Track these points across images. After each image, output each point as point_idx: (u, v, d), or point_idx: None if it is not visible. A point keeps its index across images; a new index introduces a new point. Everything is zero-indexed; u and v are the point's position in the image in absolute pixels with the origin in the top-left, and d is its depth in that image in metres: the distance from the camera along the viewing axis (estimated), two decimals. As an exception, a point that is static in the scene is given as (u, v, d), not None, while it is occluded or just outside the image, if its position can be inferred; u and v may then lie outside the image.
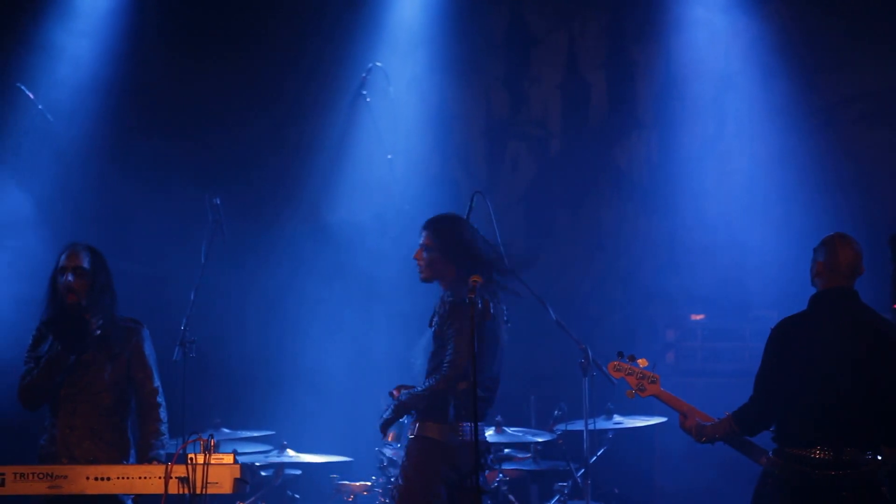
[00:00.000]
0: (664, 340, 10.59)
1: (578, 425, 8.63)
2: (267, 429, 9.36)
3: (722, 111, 11.23)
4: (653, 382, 7.86)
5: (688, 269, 11.08)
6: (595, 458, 8.99)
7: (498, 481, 8.91)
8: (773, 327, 7.31)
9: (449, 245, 7.66)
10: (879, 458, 7.16)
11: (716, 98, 11.22)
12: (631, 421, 9.08)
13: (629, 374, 7.83)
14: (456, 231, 7.71)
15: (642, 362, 7.84)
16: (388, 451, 8.76)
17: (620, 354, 7.87)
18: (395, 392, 7.57)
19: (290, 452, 9.04)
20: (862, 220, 10.62)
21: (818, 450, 7.12)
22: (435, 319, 7.56)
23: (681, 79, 11.26)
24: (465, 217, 8.48)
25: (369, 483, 8.96)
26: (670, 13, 11.21)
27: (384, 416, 7.50)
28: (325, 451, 9.22)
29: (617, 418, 9.05)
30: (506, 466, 9.09)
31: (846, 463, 7.10)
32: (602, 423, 8.95)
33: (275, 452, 9.07)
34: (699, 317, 10.65)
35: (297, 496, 9.24)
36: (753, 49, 11.03)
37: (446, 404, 7.31)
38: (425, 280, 7.76)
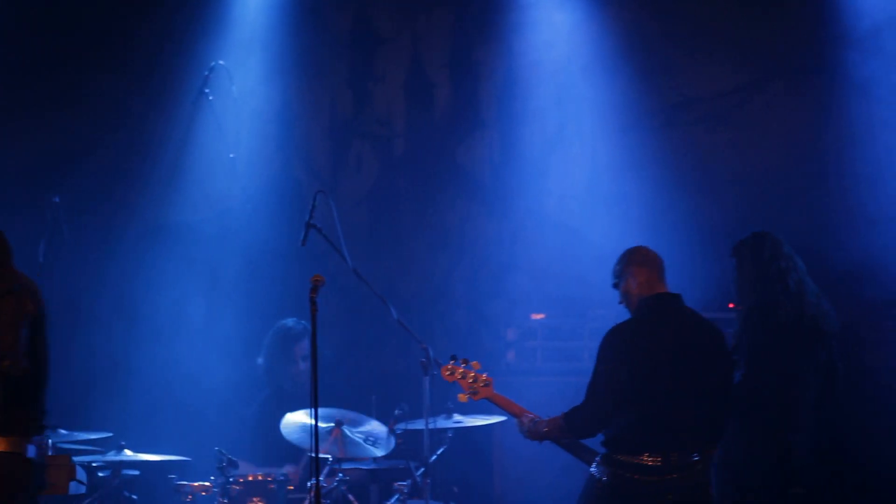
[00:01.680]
0: (505, 340, 10.66)
1: (419, 424, 8.66)
2: (106, 430, 9.23)
3: (564, 111, 11.31)
4: (486, 385, 7.95)
5: (529, 269, 11.17)
6: (435, 457, 9.00)
7: (337, 481, 8.91)
8: (605, 334, 7.44)
9: None
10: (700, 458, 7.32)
11: (558, 98, 11.30)
12: (471, 420, 9.12)
13: (462, 378, 7.91)
14: None
15: (475, 365, 7.92)
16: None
17: (454, 358, 7.96)
18: None
19: (128, 452, 8.93)
20: (700, 221, 10.82)
21: (647, 456, 7.23)
22: None
23: (523, 79, 11.33)
24: (307, 216, 8.50)
25: (208, 483, 8.89)
26: (513, 14, 11.27)
27: None
28: (163, 450, 9.13)
29: (457, 417, 9.09)
30: (345, 466, 9.08)
31: (673, 467, 7.23)
32: (442, 423, 8.97)
33: (112, 452, 8.95)
34: (539, 316, 10.73)
35: (135, 497, 9.12)
36: (595, 50, 11.11)
37: None
38: None
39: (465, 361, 7.97)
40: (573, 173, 11.26)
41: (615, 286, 7.72)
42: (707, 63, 11.01)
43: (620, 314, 10.20)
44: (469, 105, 11.46)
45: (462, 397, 8.07)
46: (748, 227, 8.70)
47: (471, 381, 8.01)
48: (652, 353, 7.31)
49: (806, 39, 10.73)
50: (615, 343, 7.39)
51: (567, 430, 7.46)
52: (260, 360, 10.07)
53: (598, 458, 7.40)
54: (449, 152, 11.45)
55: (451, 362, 8.01)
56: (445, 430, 9.15)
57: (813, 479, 8.35)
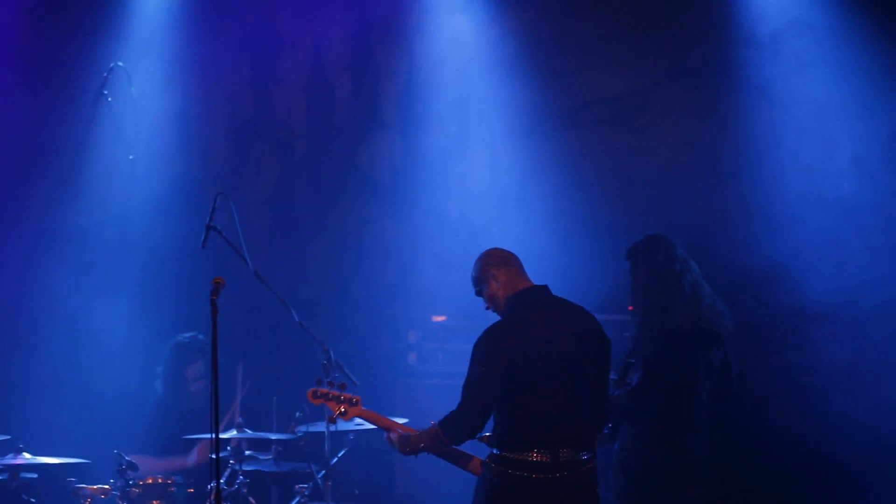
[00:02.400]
0: (406, 342, 10.69)
1: (320, 427, 8.66)
2: (3, 433, 9.13)
3: (465, 114, 11.36)
4: (354, 404, 7.96)
5: (430, 271, 11.19)
6: (336, 459, 9.02)
7: (238, 483, 8.89)
8: (477, 338, 7.39)
9: None
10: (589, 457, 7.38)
11: (459, 101, 11.34)
12: (372, 422, 9.15)
13: (329, 400, 7.91)
14: None
15: (342, 386, 7.93)
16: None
17: (319, 381, 7.97)
18: None
19: (26, 455, 8.84)
20: (601, 223, 10.92)
21: (536, 452, 7.25)
22: None
23: (425, 81, 11.36)
24: (207, 218, 8.45)
25: (107, 486, 8.82)
26: (414, 17, 11.30)
27: None
28: (62, 453, 9.05)
29: (358, 420, 9.11)
30: (246, 468, 9.06)
31: (563, 464, 7.26)
32: (344, 425, 8.96)
33: (10, 455, 8.85)
34: (441, 318, 10.77)
35: (34, 500, 9.03)
36: (496, 53, 11.17)
37: None
38: None
39: (332, 384, 7.97)
40: (475, 175, 11.31)
41: (478, 294, 7.63)
42: (606, 66, 11.11)
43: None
44: (370, 107, 11.46)
45: (331, 419, 8.09)
46: (648, 230, 8.78)
47: (342, 399, 7.99)
48: (528, 347, 7.27)
49: (703, 43, 10.86)
50: (488, 344, 7.32)
51: (445, 437, 7.38)
52: (159, 370, 10.03)
53: (486, 459, 7.37)
54: (350, 154, 11.45)
55: (317, 385, 8.01)
56: (347, 432, 9.16)
57: (711, 480, 8.44)
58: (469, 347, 7.21)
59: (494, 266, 7.57)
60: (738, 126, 10.77)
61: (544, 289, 7.56)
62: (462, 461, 7.62)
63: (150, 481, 8.85)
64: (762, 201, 10.62)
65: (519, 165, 11.16)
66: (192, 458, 9.46)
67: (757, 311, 10.26)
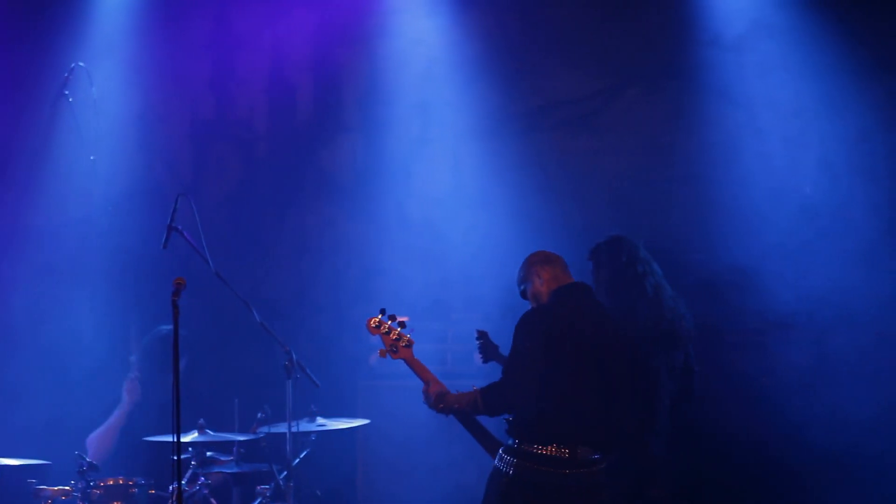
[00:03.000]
0: (368, 343, 10.68)
1: (282, 428, 8.65)
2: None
3: (427, 115, 11.38)
4: (407, 346, 7.97)
5: (392, 273, 11.20)
6: (298, 460, 9.01)
7: (200, 484, 8.88)
8: (525, 314, 7.49)
9: None
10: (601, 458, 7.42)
11: (420, 102, 11.35)
12: (334, 423, 9.15)
13: (386, 334, 7.90)
14: None
15: (402, 324, 7.91)
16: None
17: (383, 312, 7.94)
18: None
19: (-15, 456, 8.83)
20: (563, 224, 10.95)
21: (555, 447, 7.29)
22: None
23: (387, 82, 11.36)
24: (169, 219, 8.44)
25: (68, 488, 8.79)
26: (376, 18, 11.30)
27: None
28: (22, 454, 9.01)
29: (320, 420, 9.11)
30: (208, 469, 9.05)
31: (580, 462, 7.31)
32: (305, 426, 8.98)
33: (-29, 458, 8.83)
34: (403, 319, 10.77)
35: (-6, 502, 9.02)
36: (459, 53, 11.20)
37: None
38: None
39: (393, 318, 7.99)
40: (437, 177, 11.32)
41: (522, 294, 7.84)
42: (568, 68, 11.14)
43: (486, 317, 10.32)
44: (332, 108, 11.46)
45: (381, 353, 8.07)
46: (610, 231, 8.81)
47: (394, 338, 8.02)
48: (570, 335, 7.38)
49: (666, 45, 10.91)
50: (535, 323, 7.47)
51: (482, 403, 7.51)
52: (132, 359, 9.98)
53: (501, 451, 7.44)
54: (312, 155, 11.44)
55: (380, 316, 8.00)
56: (309, 433, 9.16)
57: (672, 481, 8.48)
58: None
59: (538, 264, 7.80)
60: (702, 128, 10.81)
61: (587, 287, 7.78)
62: (489, 444, 7.65)
63: (112, 482, 8.83)
64: (726, 204, 10.66)
65: (481, 166, 11.18)
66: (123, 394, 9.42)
67: (717, 314, 10.30)
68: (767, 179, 10.66)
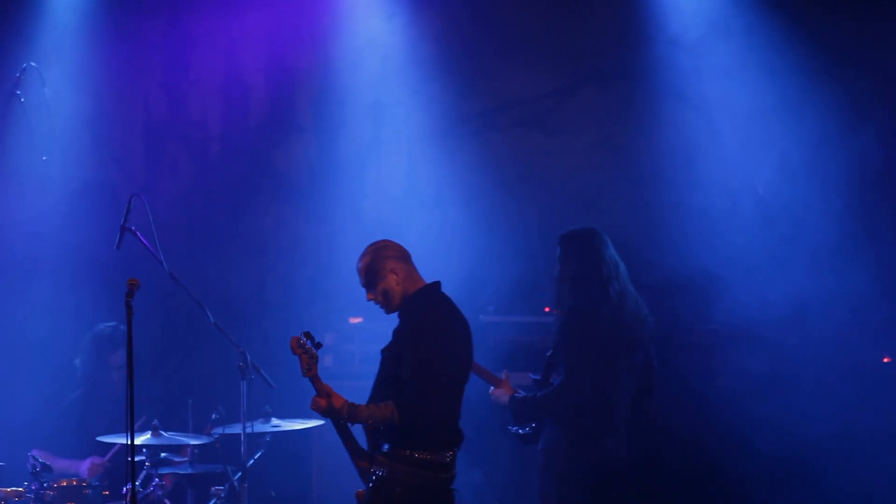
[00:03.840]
0: (323, 343, 10.66)
1: (236, 429, 8.64)
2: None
3: (381, 114, 11.38)
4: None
5: (347, 272, 11.13)
6: (252, 461, 9.00)
7: (154, 485, 8.85)
8: (417, 321, 7.26)
9: None
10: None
11: (375, 101, 11.36)
12: (289, 424, 9.12)
13: (303, 354, 7.65)
14: None
15: (317, 345, 7.74)
16: None
17: (306, 335, 7.67)
18: None
19: (-61, 459, 8.77)
20: (518, 224, 10.98)
21: (445, 454, 7.26)
22: None
23: (340, 82, 11.36)
24: (122, 220, 8.41)
25: (21, 489, 8.74)
26: (329, 18, 11.29)
27: None
28: (-26, 456, 8.98)
29: (275, 421, 9.09)
30: (162, 471, 9.01)
31: (453, 466, 7.31)
32: (260, 427, 8.96)
33: (-79, 459, 8.77)
34: (357, 320, 10.77)
35: (-55, 505, 8.94)
36: (413, 54, 11.21)
37: None
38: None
39: (310, 337, 7.58)
40: (391, 177, 11.34)
41: (367, 286, 7.40)
42: (523, 67, 11.17)
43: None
44: (286, 108, 11.45)
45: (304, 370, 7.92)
46: (563, 230, 8.79)
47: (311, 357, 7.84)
48: (452, 343, 7.27)
49: (620, 46, 10.94)
50: (435, 331, 7.19)
51: (397, 421, 7.12)
52: (77, 362, 9.94)
53: (384, 459, 7.26)
54: (265, 155, 11.42)
55: (302, 338, 7.69)
56: (263, 434, 9.14)
57: (633, 480, 8.51)
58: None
59: (394, 260, 7.38)
60: (657, 128, 10.85)
61: (440, 286, 7.45)
62: (356, 454, 7.46)
63: (65, 483, 8.79)
64: (681, 205, 10.70)
65: (436, 167, 11.19)
66: (84, 471, 9.37)
67: (669, 316, 10.33)
68: (723, 180, 10.71)
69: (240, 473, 8.64)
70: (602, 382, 8.21)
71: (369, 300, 7.50)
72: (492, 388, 8.51)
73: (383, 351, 7.40)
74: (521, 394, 8.39)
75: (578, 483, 8.22)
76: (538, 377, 8.46)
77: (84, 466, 9.34)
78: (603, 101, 11.08)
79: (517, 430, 8.52)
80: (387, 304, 7.43)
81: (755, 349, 10.43)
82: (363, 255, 7.50)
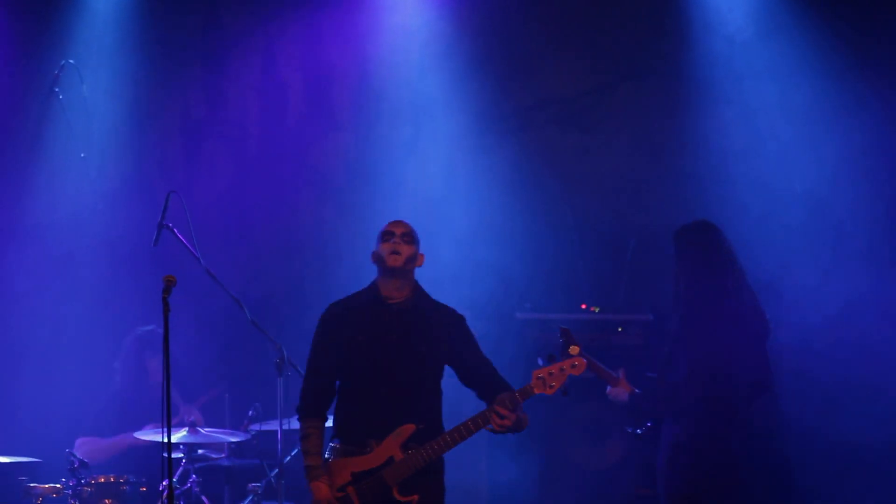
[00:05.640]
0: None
1: (273, 425, 8.65)
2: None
3: (418, 114, 11.38)
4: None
5: (383, 271, 11.19)
6: (289, 457, 9.01)
7: (191, 482, 8.88)
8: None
9: None
10: None
11: (412, 101, 11.36)
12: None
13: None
14: None
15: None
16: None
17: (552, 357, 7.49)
18: None
19: (-21, 455, 8.83)
20: (555, 222, 10.96)
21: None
22: None
23: (378, 81, 11.37)
24: (159, 217, 8.44)
25: (59, 485, 8.79)
26: (366, 15, 11.30)
27: None
28: (13, 452, 9.01)
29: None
30: (199, 466, 9.05)
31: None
32: (296, 423, 8.95)
33: (-40, 454, 8.83)
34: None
35: (-15, 499, 9.02)
36: (451, 52, 11.21)
37: None
38: None
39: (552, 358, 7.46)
40: (429, 175, 11.33)
41: (411, 243, 7.64)
42: (561, 64, 11.16)
43: (476, 316, 10.30)
44: (323, 106, 11.45)
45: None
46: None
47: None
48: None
49: (658, 44, 10.92)
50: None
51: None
52: (116, 365, 9.99)
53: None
54: (303, 154, 11.43)
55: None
56: (299, 430, 9.15)
57: (753, 475, 8.36)
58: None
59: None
60: (696, 126, 10.81)
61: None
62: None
63: (102, 480, 8.84)
64: (721, 204, 10.62)
65: (473, 165, 11.18)
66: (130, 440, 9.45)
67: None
68: (762, 178, 10.66)
69: (276, 470, 8.65)
70: (724, 377, 8.04)
71: (404, 263, 7.57)
72: (609, 387, 8.37)
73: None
74: (640, 392, 8.26)
75: (704, 478, 8.05)
76: (654, 375, 8.33)
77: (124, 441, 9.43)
78: (641, 99, 11.06)
79: (633, 430, 8.42)
80: (410, 268, 7.58)
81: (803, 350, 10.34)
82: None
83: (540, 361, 7.42)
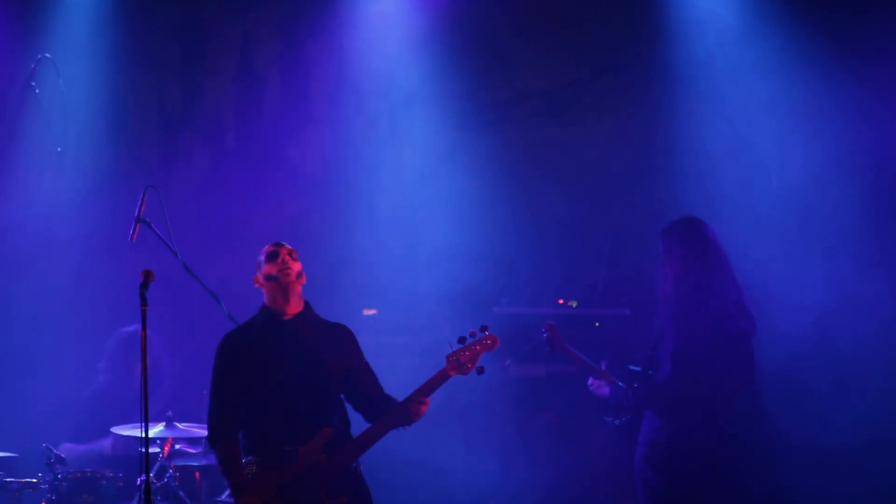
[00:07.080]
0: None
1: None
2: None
3: (394, 107, 11.38)
4: None
5: (361, 264, 11.20)
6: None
7: (168, 476, 8.86)
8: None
9: None
10: None
11: (388, 94, 11.36)
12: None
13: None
14: None
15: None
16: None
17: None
18: None
19: (-46, 450, 8.80)
20: (533, 216, 10.97)
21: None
22: None
23: (355, 74, 11.37)
24: (136, 211, 8.42)
25: (36, 480, 8.77)
26: (343, 9, 11.29)
27: None
28: (-11, 447, 9.00)
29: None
30: (176, 462, 9.03)
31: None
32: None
33: (-64, 449, 8.80)
34: (371, 311, 10.77)
35: (-39, 495, 8.97)
36: (428, 45, 11.21)
37: None
38: None
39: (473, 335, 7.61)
40: (405, 168, 11.32)
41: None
42: (540, 58, 11.17)
43: (453, 309, 10.31)
44: (300, 99, 11.44)
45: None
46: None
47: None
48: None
49: (635, 39, 10.94)
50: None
51: None
52: (99, 366, 9.98)
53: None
54: (279, 147, 11.42)
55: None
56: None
57: (733, 471, 8.37)
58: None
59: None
60: (672, 120, 10.82)
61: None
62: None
63: (79, 475, 8.81)
64: (697, 199, 10.63)
65: (450, 159, 11.19)
66: (108, 447, 9.43)
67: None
68: (743, 174, 10.68)
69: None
70: (707, 374, 8.04)
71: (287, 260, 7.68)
72: (590, 379, 8.36)
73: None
74: (622, 385, 8.26)
75: (682, 474, 8.06)
76: (638, 369, 8.33)
77: (107, 442, 9.39)
78: (620, 93, 11.07)
79: (613, 421, 8.41)
80: (298, 276, 7.74)
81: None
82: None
83: (451, 346, 7.51)
